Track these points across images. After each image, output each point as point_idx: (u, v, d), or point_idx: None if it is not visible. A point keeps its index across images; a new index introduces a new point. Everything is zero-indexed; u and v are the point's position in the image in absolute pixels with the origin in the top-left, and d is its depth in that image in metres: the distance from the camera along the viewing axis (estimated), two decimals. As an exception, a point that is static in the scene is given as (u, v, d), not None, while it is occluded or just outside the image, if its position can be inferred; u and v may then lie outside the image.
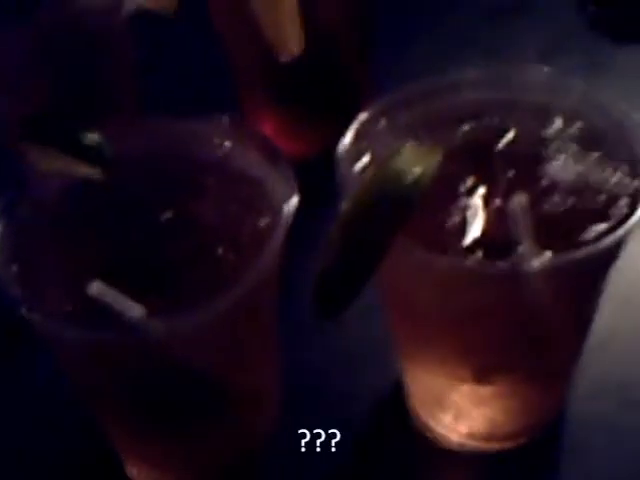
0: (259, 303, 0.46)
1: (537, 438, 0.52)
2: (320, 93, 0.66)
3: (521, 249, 0.42)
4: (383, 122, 0.49)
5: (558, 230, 0.44)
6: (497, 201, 0.45)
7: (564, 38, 0.79)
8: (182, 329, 0.42)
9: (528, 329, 0.45)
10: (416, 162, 0.42)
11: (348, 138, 0.48)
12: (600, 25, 0.80)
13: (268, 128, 0.67)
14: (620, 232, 0.42)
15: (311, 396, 0.55)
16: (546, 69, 0.50)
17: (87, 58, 0.59)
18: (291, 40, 0.56)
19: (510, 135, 0.48)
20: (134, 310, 0.41)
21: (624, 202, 0.44)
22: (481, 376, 0.48)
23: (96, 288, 0.41)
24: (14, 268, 0.45)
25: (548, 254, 0.42)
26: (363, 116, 0.49)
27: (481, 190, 0.46)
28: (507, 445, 0.52)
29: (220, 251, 0.45)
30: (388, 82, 0.69)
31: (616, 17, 0.81)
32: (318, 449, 0.52)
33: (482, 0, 0.82)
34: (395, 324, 0.51)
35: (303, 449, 0.52)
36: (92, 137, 0.46)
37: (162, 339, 0.41)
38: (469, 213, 0.45)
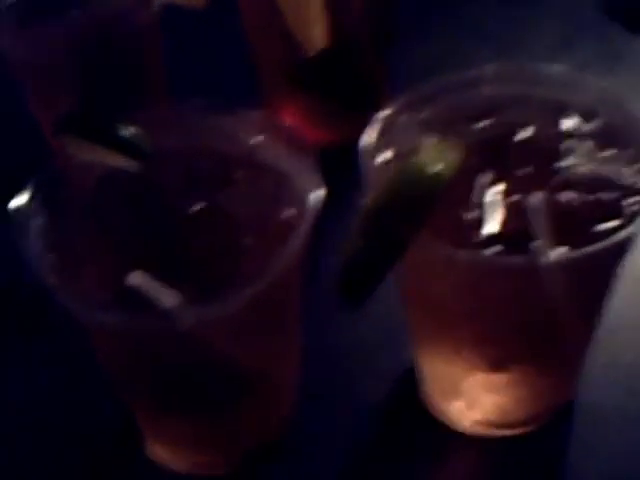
0: (285, 292, 0.47)
1: (547, 424, 0.53)
2: (342, 85, 0.68)
3: (537, 243, 0.43)
4: (405, 117, 0.50)
5: (572, 225, 0.45)
6: (515, 196, 0.46)
7: (579, 28, 0.79)
8: (212, 317, 0.43)
9: (543, 320, 0.46)
10: (438, 157, 0.44)
11: (371, 133, 0.49)
12: (616, 15, 0.80)
13: (290, 118, 0.69)
14: (631, 228, 0.43)
15: (328, 382, 0.56)
16: (564, 66, 0.51)
17: (119, 54, 0.60)
18: (317, 36, 0.57)
19: (527, 131, 0.49)
20: (171, 297, 0.42)
21: (635, 199, 0.45)
22: (496, 365, 0.49)
23: (138, 277, 0.43)
24: (51, 257, 0.46)
25: (563, 248, 0.43)
26: (385, 111, 0.50)
27: (499, 185, 0.47)
28: (518, 432, 0.53)
29: (248, 242, 0.46)
30: (405, 74, 0.71)
31: (632, 7, 0.81)
32: (335, 434, 0.54)
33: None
34: (412, 314, 0.52)
35: (321, 434, 0.54)
36: (131, 131, 0.48)
37: (194, 326, 0.43)
38: (487, 208, 0.46)
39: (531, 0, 0.83)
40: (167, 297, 0.42)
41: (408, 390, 0.55)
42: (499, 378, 0.50)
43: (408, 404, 0.55)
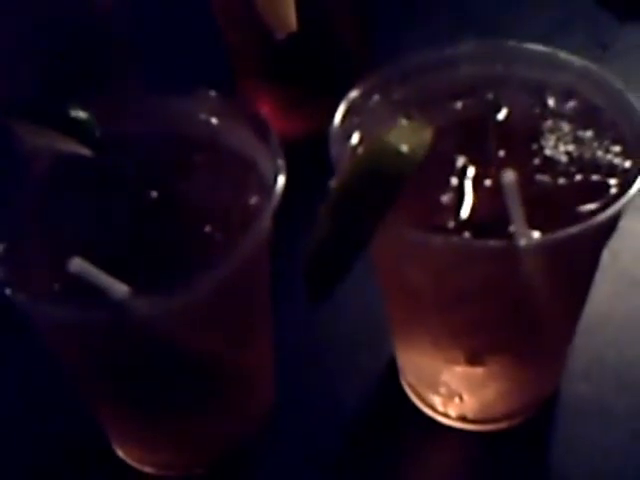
0: (247, 282, 0.46)
1: (531, 419, 0.52)
2: (316, 73, 0.65)
3: (512, 227, 0.41)
4: (376, 97, 0.49)
5: (550, 208, 0.43)
6: (489, 179, 0.44)
7: (568, 18, 0.78)
8: (165, 308, 0.41)
9: (520, 309, 0.45)
10: (408, 138, 0.41)
11: (340, 114, 0.47)
12: (605, 4, 0.78)
13: (265, 109, 0.66)
14: (610, 211, 0.41)
15: (305, 376, 0.55)
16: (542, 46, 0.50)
17: (78, 36, 0.58)
18: (285, 18, 0.55)
19: (504, 112, 0.48)
20: (117, 288, 0.40)
21: (615, 181, 0.44)
22: (473, 357, 0.47)
23: (76, 265, 0.40)
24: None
25: (538, 232, 0.41)
26: (355, 92, 0.48)
27: (473, 168, 0.45)
28: (500, 426, 0.51)
29: (208, 230, 0.45)
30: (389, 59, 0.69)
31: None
32: (313, 430, 0.53)
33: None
34: (388, 303, 0.50)
35: (298, 431, 0.53)
36: (80, 114, 0.46)
37: (145, 317, 0.41)
38: (461, 191, 0.44)
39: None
40: (114, 286, 0.40)
41: (390, 383, 0.54)
42: (478, 371, 0.49)
43: (389, 398, 0.54)
